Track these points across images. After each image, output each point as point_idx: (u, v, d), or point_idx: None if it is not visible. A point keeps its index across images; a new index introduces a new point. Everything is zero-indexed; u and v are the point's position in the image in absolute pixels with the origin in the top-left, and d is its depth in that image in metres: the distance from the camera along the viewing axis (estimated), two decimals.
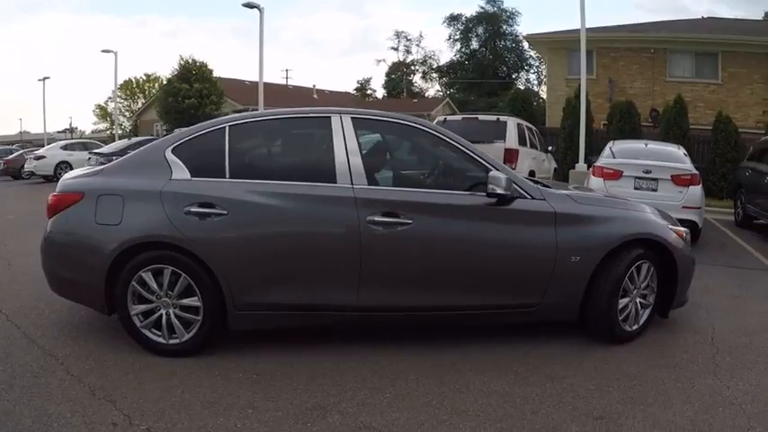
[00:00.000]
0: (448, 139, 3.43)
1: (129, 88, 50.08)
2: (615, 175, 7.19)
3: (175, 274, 3.09)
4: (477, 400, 2.77)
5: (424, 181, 3.67)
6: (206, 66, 25.55)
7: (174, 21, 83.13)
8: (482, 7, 42.53)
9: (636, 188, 7.01)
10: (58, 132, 44.01)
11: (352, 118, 3.34)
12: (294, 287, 3.15)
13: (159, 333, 3.15)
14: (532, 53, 41.05)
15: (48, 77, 31.11)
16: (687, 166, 7.36)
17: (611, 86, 19.10)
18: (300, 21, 79.49)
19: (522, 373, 3.08)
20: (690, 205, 6.83)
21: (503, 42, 43.10)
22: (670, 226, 3.80)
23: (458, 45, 44.45)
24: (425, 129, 3.52)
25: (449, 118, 10.16)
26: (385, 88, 49.14)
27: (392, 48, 51.51)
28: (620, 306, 3.48)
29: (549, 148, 12.48)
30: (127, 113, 44.50)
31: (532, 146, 10.46)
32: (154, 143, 3.49)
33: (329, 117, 3.34)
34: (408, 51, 49.26)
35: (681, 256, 3.67)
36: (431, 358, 3.23)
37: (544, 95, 33.11)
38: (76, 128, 50.80)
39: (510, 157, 8.72)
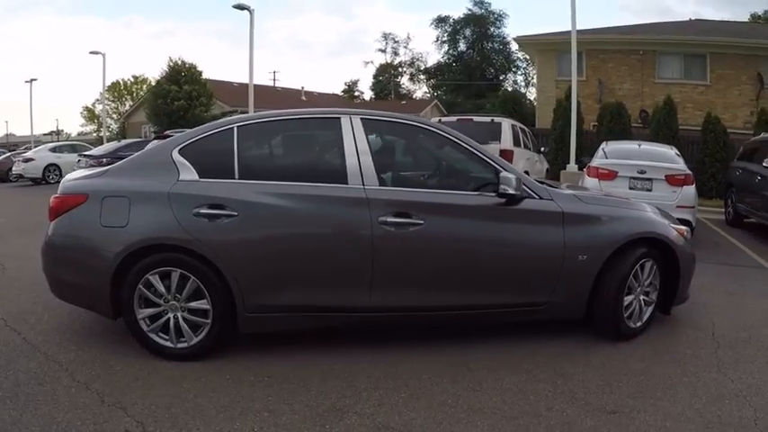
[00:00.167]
0: (457, 140, 3.46)
1: (116, 90, 49.61)
2: (610, 175, 7.27)
3: (184, 276, 3.04)
4: (492, 398, 2.79)
5: (434, 181, 3.68)
6: (195, 67, 25.29)
7: (160, 22, 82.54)
8: (469, 9, 42.78)
9: (631, 188, 7.10)
10: (44, 135, 43.41)
11: (361, 119, 3.34)
12: (306, 289, 3.13)
13: (167, 337, 3.11)
14: (520, 55, 41.39)
15: (35, 79, 30.78)
16: (681, 166, 7.48)
17: (601, 88, 19.32)
18: (287, 23, 79.42)
19: (532, 371, 3.11)
20: (684, 204, 6.93)
21: (490, 44, 43.29)
22: (672, 224, 3.87)
23: (445, 47, 44.61)
24: (434, 130, 3.53)
25: (443, 119, 10.18)
26: (373, 90, 49.08)
27: (380, 49, 51.38)
28: (624, 303, 3.53)
29: (543, 149, 12.58)
30: (115, 115, 44.02)
31: (526, 147, 10.54)
32: (159, 144, 3.45)
33: (338, 118, 3.34)
34: (396, 53, 49.32)
35: (683, 254, 3.74)
36: (441, 358, 3.24)
37: (531, 97, 33.45)
38: (62, 130, 50.20)
39: (505, 158, 8.70)
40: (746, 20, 33.22)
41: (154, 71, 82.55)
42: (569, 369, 3.13)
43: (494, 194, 3.28)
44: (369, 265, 3.11)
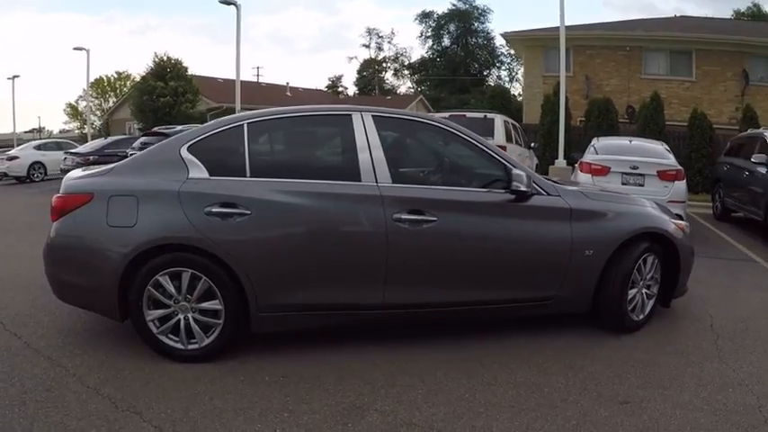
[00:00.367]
0: (467, 137, 3.47)
1: (100, 87, 48.66)
2: (603, 171, 7.37)
3: (195, 276, 2.99)
4: (507, 392, 2.83)
5: (444, 178, 3.70)
6: (181, 63, 24.95)
7: (142, 17, 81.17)
8: (454, 5, 42.74)
9: (623, 183, 7.20)
10: (26, 132, 42.44)
11: (373, 116, 3.33)
12: (319, 287, 3.12)
13: (177, 339, 3.06)
14: (504, 50, 41.60)
15: (17, 76, 30.02)
16: (672, 161, 7.62)
17: (588, 83, 19.51)
18: (269, 18, 78.45)
19: (543, 365, 3.16)
20: (675, 199, 7.05)
21: (474, 39, 43.38)
22: (672, 219, 3.95)
23: (429, 42, 44.62)
24: (445, 127, 3.54)
25: (436, 116, 10.21)
26: (357, 85, 48.91)
27: (364, 45, 51.20)
28: (628, 297, 3.60)
29: (532, 144, 12.68)
30: (98, 112, 43.19)
31: (517, 143, 10.64)
32: (165, 141, 3.36)
33: (350, 115, 3.32)
34: (380, 48, 49.11)
35: (682, 248, 3.84)
36: (454, 354, 3.27)
37: (515, 92, 33.60)
38: (44, 127, 49.15)
39: None
40: (730, 16, 33.83)
41: (137, 67, 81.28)
42: (578, 362, 3.19)
43: (503, 191, 3.32)
44: (383, 263, 3.12)
